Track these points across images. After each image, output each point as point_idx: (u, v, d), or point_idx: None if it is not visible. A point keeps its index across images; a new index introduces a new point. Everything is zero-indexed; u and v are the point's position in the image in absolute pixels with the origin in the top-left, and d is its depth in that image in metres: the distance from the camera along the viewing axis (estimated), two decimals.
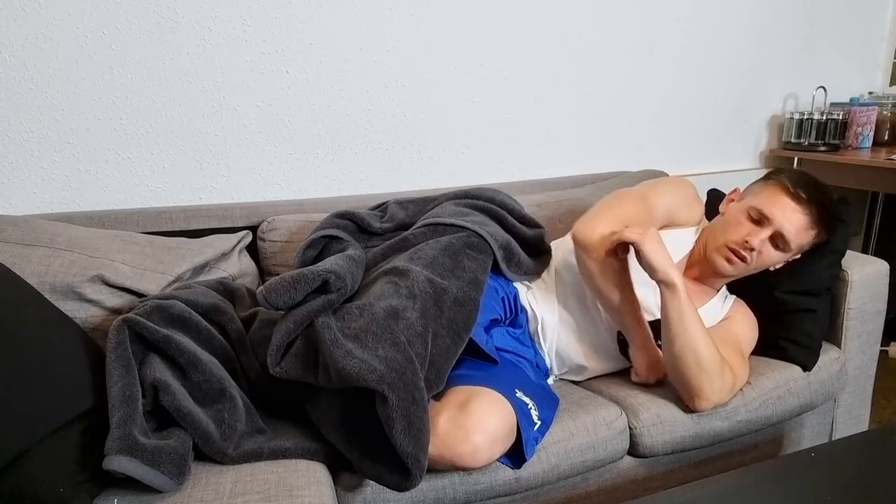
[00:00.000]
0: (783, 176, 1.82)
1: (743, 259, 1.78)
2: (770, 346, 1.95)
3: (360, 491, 1.47)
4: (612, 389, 1.83)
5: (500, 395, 1.49)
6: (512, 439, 1.49)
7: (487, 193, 2.02)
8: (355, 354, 1.36)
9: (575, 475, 1.65)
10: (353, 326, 1.44)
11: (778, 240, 1.77)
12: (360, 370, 1.32)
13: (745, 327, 1.90)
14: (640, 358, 1.79)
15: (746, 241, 1.76)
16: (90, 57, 1.99)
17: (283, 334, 1.46)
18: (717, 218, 1.90)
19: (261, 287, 1.48)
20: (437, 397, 1.53)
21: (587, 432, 1.64)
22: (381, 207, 2.05)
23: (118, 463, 1.24)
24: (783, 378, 1.88)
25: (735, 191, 1.93)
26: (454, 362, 1.54)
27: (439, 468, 1.46)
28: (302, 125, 2.29)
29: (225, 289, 1.80)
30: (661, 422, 1.72)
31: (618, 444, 1.69)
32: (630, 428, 1.72)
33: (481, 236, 1.81)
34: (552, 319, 1.86)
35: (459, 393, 1.50)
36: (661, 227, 1.85)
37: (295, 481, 1.36)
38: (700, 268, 1.89)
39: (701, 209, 1.97)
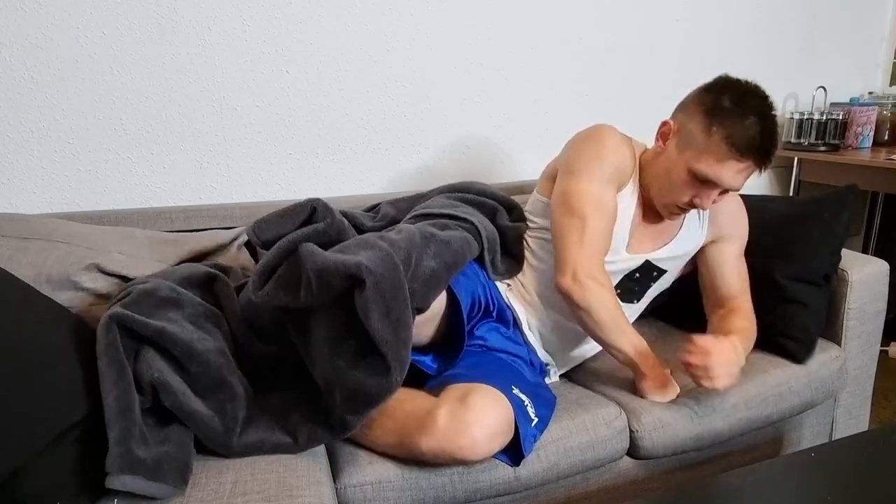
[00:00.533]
0: (725, 126, 1.63)
1: (687, 211, 1.78)
2: (767, 342, 1.95)
3: (360, 490, 1.47)
4: (613, 389, 1.83)
5: (497, 390, 1.50)
6: (510, 434, 1.49)
7: (477, 186, 2.03)
8: (340, 255, 1.33)
9: (574, 474, 1.65)
10: (339, 247, 1.42)
11: (725, 191, 1.71)
12: (337, 260, 1.30)
13: (738, 234, 1.97)
14: (653, 386, 1.78)
15: (695, 204, 1.72)
16: (90, 57, 1.99)
17: (267, 259, 1.44)
18: (656, 157, 1.79)
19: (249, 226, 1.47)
20: (436, 393, 1.53)
21: (586, 431, 1.64)
22: (375, 209, 2.05)
23: (121, 482, 1.24)
24: (784, 376, 1.89)
25: (667, 124, 1.76)
26: (441, 290, 1.52)
27: (440, 462, 1.47)
28: (302, 125, 2.29)
29: (217, 266, 1.80)
30: (662, 425, 1.72)
31: (617, 443, 1.69)
32: (631, 431, 1.72)
33: (472, 223, 1.81)
34: (535, 319, 1.88)
35: (457, 389, 1.50)
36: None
37: (295, 481, 1.36)
38: (656, 209, 1.85)
39: (632, 145, 1.84)
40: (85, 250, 1.71)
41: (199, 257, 1.86)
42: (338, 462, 1.52)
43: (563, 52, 2.63)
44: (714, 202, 1.73)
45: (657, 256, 1.88)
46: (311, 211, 1.49)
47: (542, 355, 1.89)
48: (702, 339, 1.65)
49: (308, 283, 1.33)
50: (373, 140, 2.40)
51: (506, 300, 1.88)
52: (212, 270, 1.71)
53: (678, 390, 1.79)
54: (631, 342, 1.73)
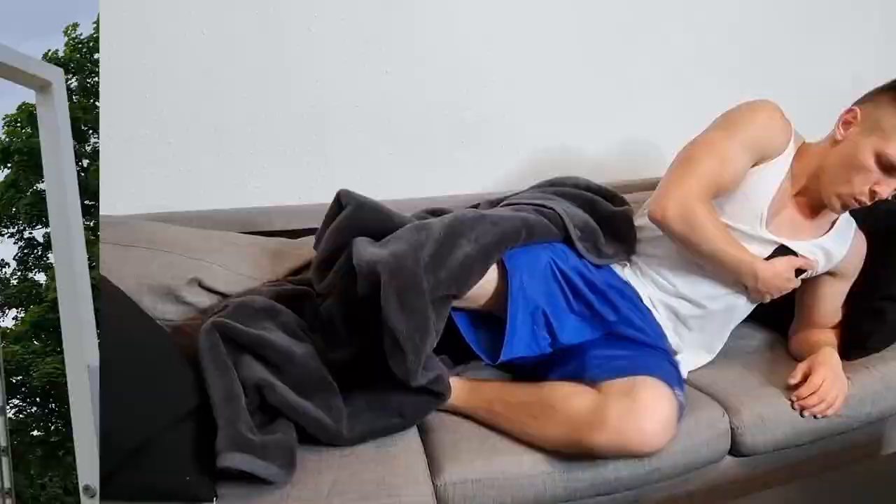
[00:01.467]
0: None
1: (864, 204, 1.68)
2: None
3: (461, 487, 1.47)
4: (714, 386, 1.80)
5: (661, 382, 1.51)
6: (677, 426, 1.52)
7: (572, 179, 2.03)
8: (372, 250, 1.45)
9: (675, 476, 1.64)
10: (384, 240, 1.52)
11: None
12: (371, 259, 1.42)
13: (854, 274, 1.92)
14: (770, 271, 1.70)
15: (876, 192, 1.63)
16: (191, 56, 2.05)
17: (317, 256, 1.62)
18: (832, 147, 1.71)
19: None
20: (594, 385, 1.54)
21: (688, 436, 1.60)
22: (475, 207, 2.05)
23: (231, 460, 1.28)
24: (879, 374, 1.86)
25: (852, 111, 1.70)
26: (479, 272, 1.55)
27: (611, 455, 1.50)
28: (404, 124, 2.34)
29: (308, 281, 1.85)
30: (762, 421, 1.70)
31: (719, 445, 1.68)
32: (732, 428, 1.70)
33: (554, 210, 1.79)
34: (657, 292, 1.83)
35: (621, 384, 1.51)
36: (754, 165, 1.73)
37: (393, 479, 1.39)
38: (813, 197, 1.77)
39: (790, 128, 1.74)
40: (187, 260, 1.76)
41: (296, 272, 1.91)
42: (437, 460, 1.52)
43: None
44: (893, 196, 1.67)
45: (795, 249, 1.78)
46: (339, 201, 1.59)
47: (673, 340, 1.84)
48: (803, 374, 1.75)
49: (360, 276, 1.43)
50: (471, 138, 2.45)
51: (625, 279, 1.84)
52: (300, 287, 1.78)
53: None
54: (738, 244, 1.70)
